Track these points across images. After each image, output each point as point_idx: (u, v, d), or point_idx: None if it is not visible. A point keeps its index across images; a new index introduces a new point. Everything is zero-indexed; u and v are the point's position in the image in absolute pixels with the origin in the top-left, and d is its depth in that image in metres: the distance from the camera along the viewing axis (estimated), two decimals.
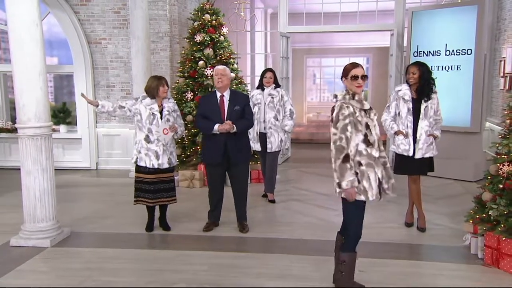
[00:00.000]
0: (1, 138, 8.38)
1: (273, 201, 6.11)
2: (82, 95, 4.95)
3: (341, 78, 3.37)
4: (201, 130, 4.85)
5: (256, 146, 5.99)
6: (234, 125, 4.69)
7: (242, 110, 4.81)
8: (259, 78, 6.20)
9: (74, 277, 3.89)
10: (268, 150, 5.95)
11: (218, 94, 4.87)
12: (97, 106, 4.77)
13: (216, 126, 4.67)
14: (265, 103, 5.92)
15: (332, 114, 3.26)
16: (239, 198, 5.00)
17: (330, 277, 3.74)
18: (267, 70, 6.10)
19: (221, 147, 4.73)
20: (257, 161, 7.20)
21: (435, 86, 4.84)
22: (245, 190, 5.02)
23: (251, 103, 5.88)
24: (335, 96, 3.32)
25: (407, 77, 4.84)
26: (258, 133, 5.97)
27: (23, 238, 4.59)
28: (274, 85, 5.98)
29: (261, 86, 6.02)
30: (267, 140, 5.92)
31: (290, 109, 5.98)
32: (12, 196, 6.39)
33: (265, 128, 5.93)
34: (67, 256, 4.35)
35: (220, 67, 4.90)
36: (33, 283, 3.78)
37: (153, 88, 4.78)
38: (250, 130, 5.84)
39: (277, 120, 5.93)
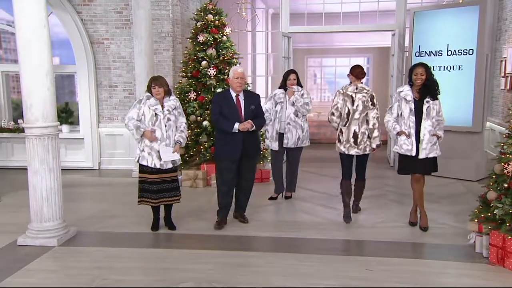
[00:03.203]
0: (3, 138, 8.36)
1: (289, 197, 6.27)
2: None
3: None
4: (221, 129, 4.96)
5: (273, 145, 5.98)
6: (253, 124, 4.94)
7: (256, 109, 5.05)
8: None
9: (83, 276, 3.91)
10: (284, 145, 5.94)
11: (233, 94, 4.97)
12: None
13: (237, 125, 4.84)
14: (287, 101, 5.90)
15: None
16: (247, 192, 5.24)
17: (337, 275, 3.81)
18: (290, 72, 6.00)
19: (239, 144, 4.90)
20: (259, 161, 7.22)
21: (438, 87, 4.87)
22: (253, 183, 5.27)
23: (273, 101, 5.97)
24: (366, 89, 5.14)
25: (414, 78, 4.82)
26: (278, 132, 5.95)
27: (30, 237, 4.60)
28: (297, 86, 5.95)
29: (283, 87, 5.97)
30: (284, 135, 5.92)
31: (306, 103, 5.91)
32: (16, 196, 6.41)
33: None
34: (75, 255, 4.37)
35: (240, 70, 5.02)
36: (43, 282, 3.80)
37: (147, 87, 4.88)
38: (269, 129, 5.95)
39: (297, 116, 5.89)
